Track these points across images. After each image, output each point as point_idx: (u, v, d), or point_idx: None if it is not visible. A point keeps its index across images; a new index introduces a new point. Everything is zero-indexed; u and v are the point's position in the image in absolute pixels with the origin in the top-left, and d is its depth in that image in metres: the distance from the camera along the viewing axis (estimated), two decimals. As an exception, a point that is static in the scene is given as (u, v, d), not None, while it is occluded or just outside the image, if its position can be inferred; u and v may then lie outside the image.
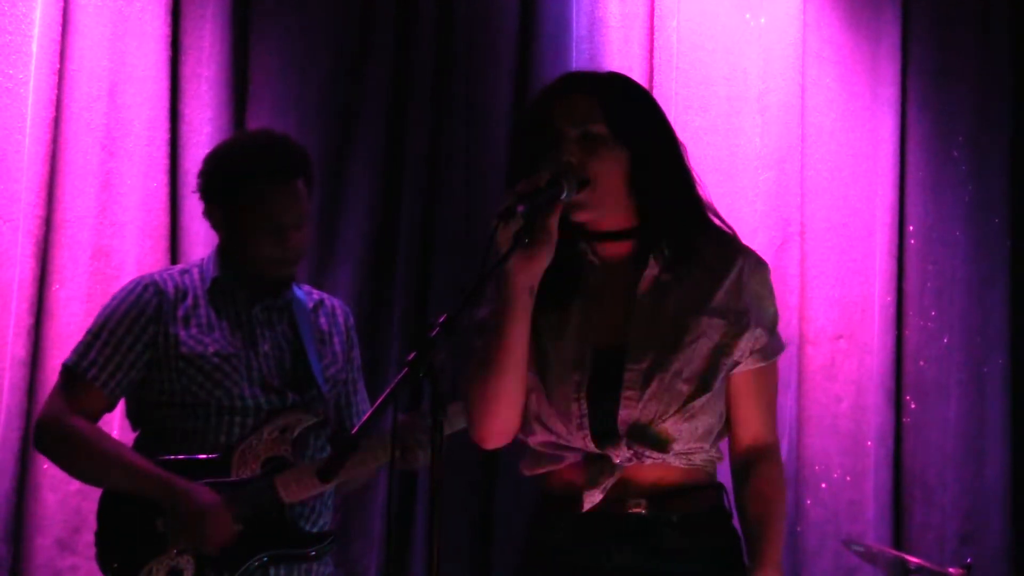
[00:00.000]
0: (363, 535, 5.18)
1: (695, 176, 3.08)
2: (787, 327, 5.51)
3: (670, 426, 2.94)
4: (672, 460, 2.96)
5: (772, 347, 3.05)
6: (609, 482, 2.94)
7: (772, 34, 5.65)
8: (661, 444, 2.94)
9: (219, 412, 3.95)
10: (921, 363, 5.71)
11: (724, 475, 3.10)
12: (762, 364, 3.04)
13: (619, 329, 2.98)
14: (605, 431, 2.94)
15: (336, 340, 4.19)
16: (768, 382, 3.07)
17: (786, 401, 5.49)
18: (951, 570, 4.54)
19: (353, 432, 2.91)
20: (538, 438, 3.01)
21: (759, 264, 3.07)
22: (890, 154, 5.71)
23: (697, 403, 2.95)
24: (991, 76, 5.82)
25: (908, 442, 5.68)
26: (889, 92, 5.74)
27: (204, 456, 3.93)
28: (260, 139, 4.16)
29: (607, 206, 2.97)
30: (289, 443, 3.98)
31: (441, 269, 5.29)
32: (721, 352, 2.97)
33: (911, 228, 5.74)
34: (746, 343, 3.00)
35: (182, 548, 3.83)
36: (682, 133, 5.36)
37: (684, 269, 3.00)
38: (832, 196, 5.69)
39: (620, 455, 2.93)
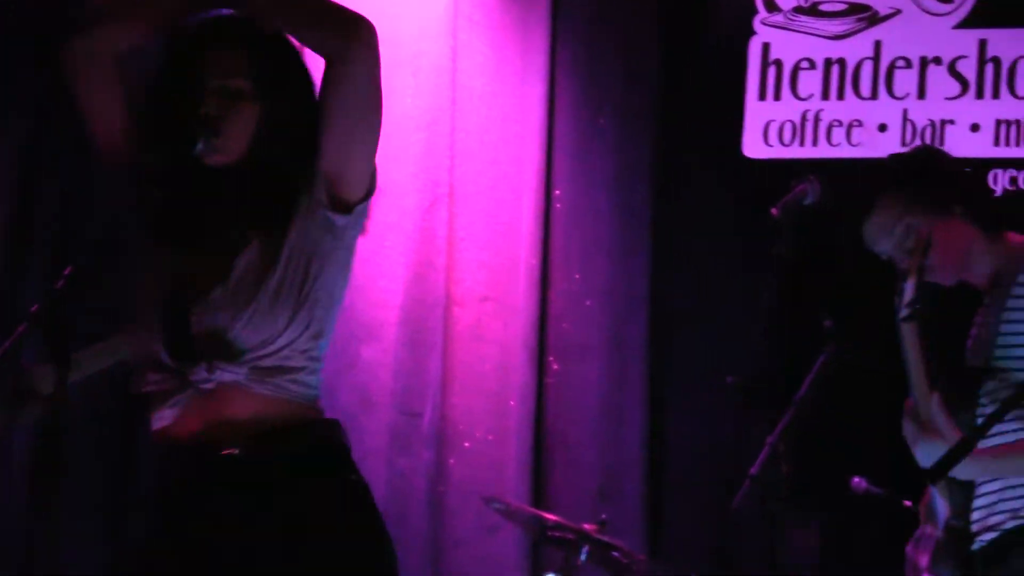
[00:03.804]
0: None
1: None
2: (434, 289, 5.55)
3: (239, 331, 2.91)
4: (265, 391, 2.93)
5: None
6: (181, 400, 2.90)
7: (426, -3, 5.67)
8: (232, 353, 2.91)
9: None
10: (564, 325, 5.82)
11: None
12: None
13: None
14: (179, 344, 2.91)
15: None
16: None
17: (431, 362, 5.53)
18: (586, 526, 4.64)
19: None
20: (140, 353, 2.99)
21: None
22: (538, 120, 5.79)
23: (255, 304, 2.92)
24: (639, 48, 5.94)
25: (550, 402, 5.79)
26: (539, 59, 5.82)
27: None
28: None
29: (236, 156, 2.96)
30: None
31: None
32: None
33: (557, 193, 5.84)
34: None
35: None
36: (334, 92, 5.41)
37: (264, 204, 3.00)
38: (481, 159, 5.75)
39: (197, 373, 2.90)
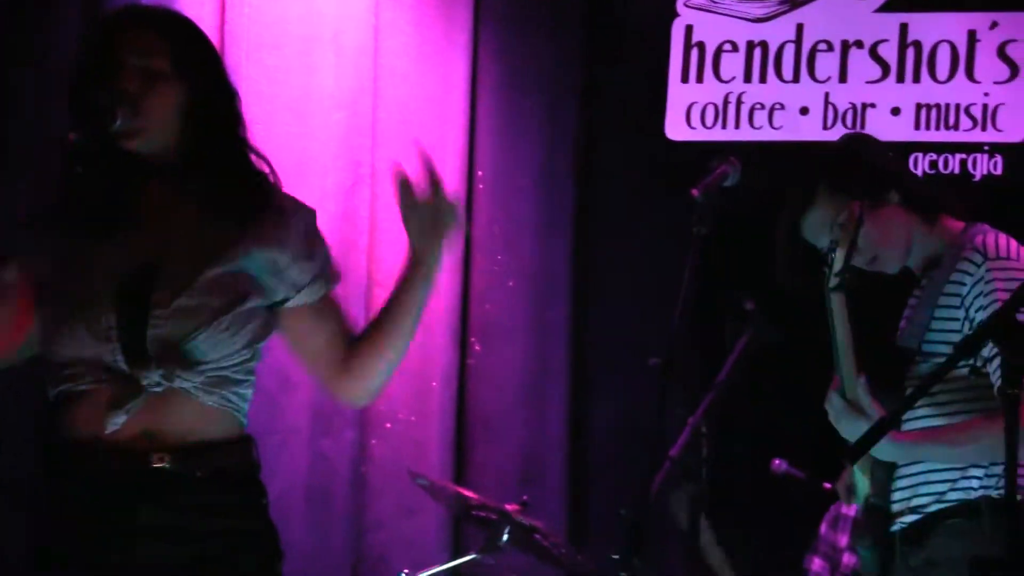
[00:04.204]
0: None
1: (245, 122, 3.07)
2: (356, 269, 5.53)
3: (203, 342, 2.91)
4: (210, 402, 2.93)
5: (323, 285, 3.08)
6: (135, 406, 2.88)
7: (348, -25, 5.64)
8: (190, 363, 2.89)
9: None
10: (487, 306, 5.82)
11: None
12: (311, 301, 3.06)
13: (155, 250, 2.96)
14: (135, 348, 2.89)
15: None
16: (330, 319, 3.11)
17: (354, 342, 5.51)
18: (508, 507, 4.65)
19: None
20: (62, 351, 2.94)
21: (304, 205, 3.11)
22: (462, 99, 5.78)
23: (222, 321, 2.92)
24: (563, 28, 5.95)
25: (472, 383, 5.79)
26: (462, 37, 5.80)
27: None
28: None
29: (156, 140, 2.96)
30: None
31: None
32: (254, 280, 2.97)
33: (480, 173, 5.83)
34: (282, 278, 3.01)
35: None
36: (255, 71, 5.38)
37: (223, 204, 2.99)
38: (404, 139, 5.73)
39: (149, 377, 2.89)
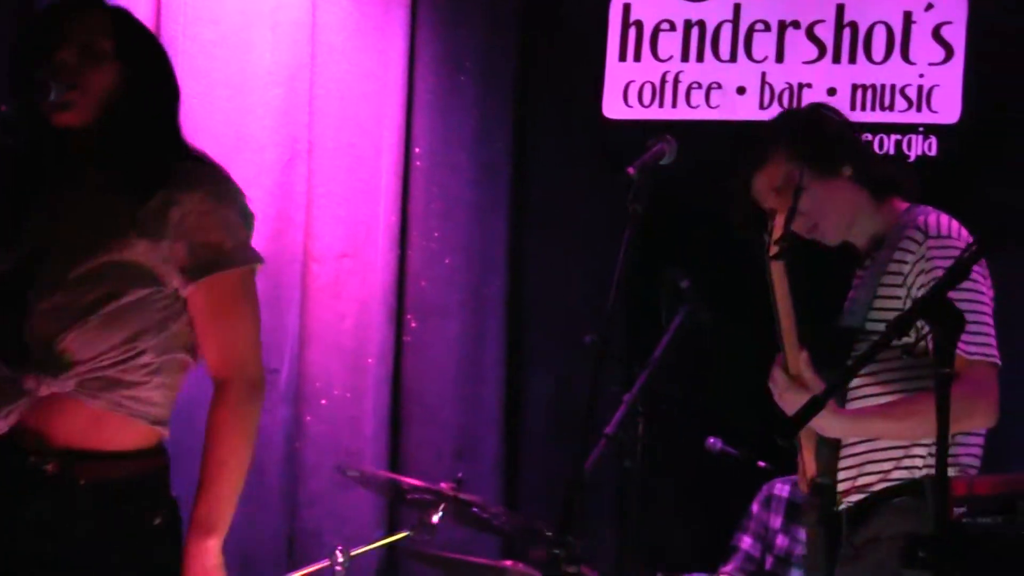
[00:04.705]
0: None
1: (179, 122, 3.06)
2: (293, 245, 5.51)
3: (72, 342, 2.86)
4: (97, 405, 2.88)
5: (206, 264, 2.95)
6: (14, 408, 2.84)
7: (286, -51, 5.60)
8: (63, 364, 2.84)
9: None
10: (423, 283, 5.81)
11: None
12: (193, 285, 2.95)
13: (46, 237, 2.92)
14: (13, 349, 2.85)
15: None
16: (222, 305, 2.98)
17: (289, 319, 5.50)
18: (443, 485, 4.65)
19: None
20: None
21: (202, 179, 3.00)
22: (399, 76, 5.77)
23: (90, 320, 2.87)
24: (500, 5, 5.95)
25: (408, 360, 5.79)
26: (400, 13, 5.78)
27: None
28: None
29: (89, 116, 2.94)
30: None
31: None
32: (124, 266, 2.91)
33: (417, 150, 5.82)
34: (167, 262, 2.93)
35: None
36: (192, 46, 5.34)
37: (126, 183, 2.95)
38: (341, 115, 5.71)
39: (28, 380, 2.85)
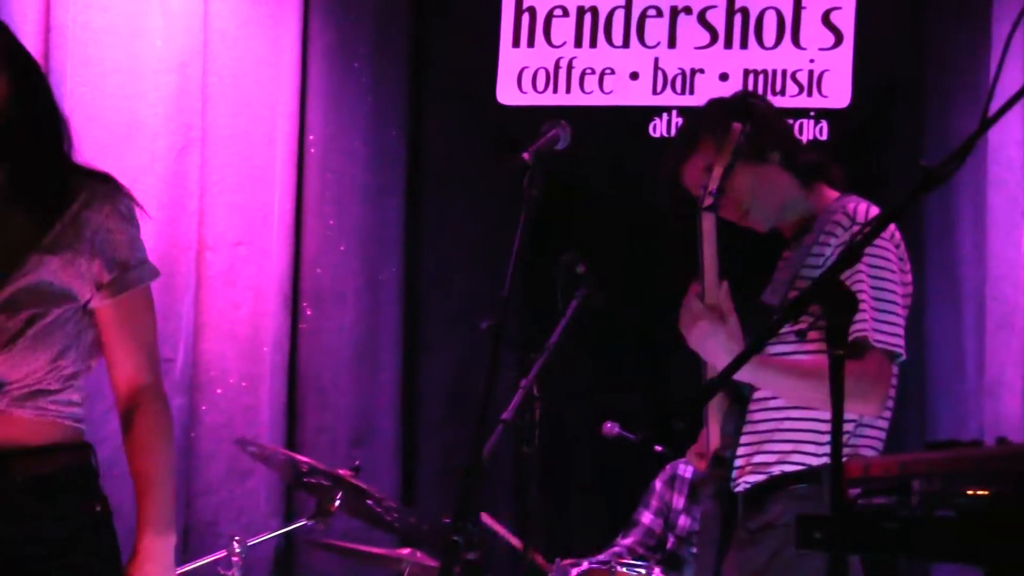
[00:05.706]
0: None
1: (70, 133, 3.02)
2: (187, 233, 5.48)
3: (2, 365, 2.88)
4: (24, 414, 2.90)
5: (124, 281, 2.99)
6: None
7: (176, -65, 5.56)
8: None
9: None
10: (319, 270, 5.80)
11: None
12: (111, 300, 2.98)
13: None
14: None
15: None
16: (135, 318, 3.02)
17: (183, 307, 5.46)
18: (341, 471, 4.64)
19: None
20: None
21: (108, 196, 3.00)
22: (293, 63, 5.75)
23: (24, 338, 2.89)
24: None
25: (304, 348, 5.77)
26: (293, 1, 5.76)
27: None
28: None
29: None
30: None
31: None
32: (41, 286, 2.91)
33: (312, 137, 5.80)
34: (83, 279, 2.95)
35: None
36: (82, 33, 5.29)
37: (31, 201, 2.94)
38: (234, 102, 5.68)
39: None
